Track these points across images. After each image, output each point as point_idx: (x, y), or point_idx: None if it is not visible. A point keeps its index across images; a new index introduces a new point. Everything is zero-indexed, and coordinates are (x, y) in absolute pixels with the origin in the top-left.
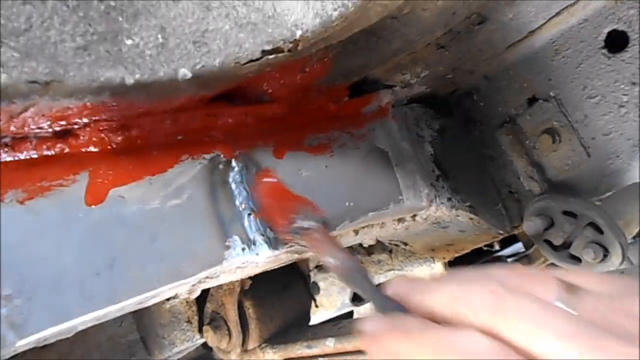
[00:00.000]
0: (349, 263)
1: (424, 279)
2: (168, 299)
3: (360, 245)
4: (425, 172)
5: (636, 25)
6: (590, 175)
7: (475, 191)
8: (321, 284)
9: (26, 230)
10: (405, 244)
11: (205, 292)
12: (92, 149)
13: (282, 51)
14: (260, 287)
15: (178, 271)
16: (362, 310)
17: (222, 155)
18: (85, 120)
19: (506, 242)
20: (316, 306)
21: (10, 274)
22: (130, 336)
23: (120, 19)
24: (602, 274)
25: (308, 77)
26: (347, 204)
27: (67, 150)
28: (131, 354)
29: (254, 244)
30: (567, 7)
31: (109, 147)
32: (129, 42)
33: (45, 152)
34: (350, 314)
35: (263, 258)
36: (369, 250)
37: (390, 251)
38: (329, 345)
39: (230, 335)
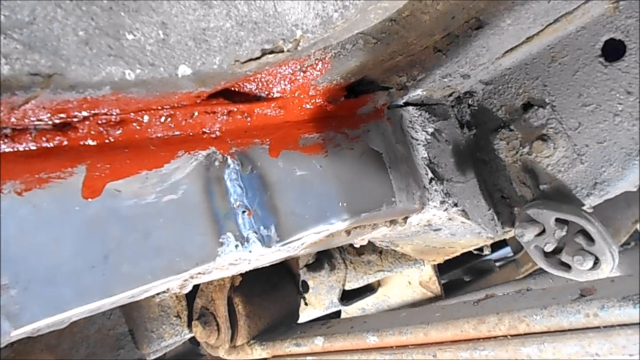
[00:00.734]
0: None
1: None
2: (158, 293)
3: (351, 245)
4: (419, 174)
5: (634, 35)
6: (583, 182)
7: (467, 195)
8: (310, 283)
9: (23, 221)
10: (396, 246)
11: (195, 287)
12: (90, 142)
13: (282, 50)
14: (250, 284)
15: (171, 266)
16: (350, 310)
17: (218, 152)
18: (84, 113)
19: (494, 246)
20: (305, 304)
21: (7, 264)
22: (118, 329)
23: (123, 14)
24: None
25: (307, 76)
26: (340, 204)
27: (65, 142)
28: (119, 347)
29: (247, 241)
30: (565, 14)
31: (107, 141)
32: (130, 37)
33: (44, 144)
34: (338, 313)
35: (256, 255)
36: (359, 251)
37: (381, 252)
38: (318, 343)
39: (219, 331)
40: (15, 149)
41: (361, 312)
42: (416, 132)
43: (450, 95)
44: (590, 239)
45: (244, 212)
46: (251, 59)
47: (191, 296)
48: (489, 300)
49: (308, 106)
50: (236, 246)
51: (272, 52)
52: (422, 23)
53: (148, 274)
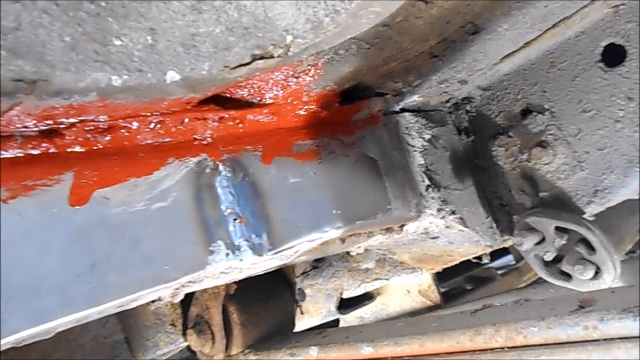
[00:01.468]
0: None
1: None
2: (153, 301)
3: (348, 253)
4: (415, 182)
5: (634, 40)
6: (584, 190)
7: (465, 202)
8: (307, 291)
9: (8, 230)
10: (394, 254)
11: (190, 295)
12: (77, 149)
13: (272, 56)
14: (246, 292)
15: (160, 275)
16: (349, 318)
17: (209, 159)
18: (71, 120)
19: (496, 254)
20: (301, 313)
21: None
22: (114, 336)
23: (110, 19)
24: None
25: (299, 82)
26: (334, 211)
27: (52, 149)
28: (115, 355)
29: (239, 249)
30: (564, 19)
31: (94, 148)
32: (117, 42)
33: (31, 151)
34: (336, 322)
35: (247, 264)
36: (356, 259)
37: (378, 260)
38: (312, 354)
39: (213, 339)
40: (1, 156)
41: (359, 321)
42: (413, 138)
43: (447, 101)
44: (591, 247)
45: (235, 219)
46: (241, 65)
47: (186, 304)
48: (486, 310)
49: (301, 112)
50: (227, 254)
51: (262, 57)
52: (416, 28)
53: (136, 283)
